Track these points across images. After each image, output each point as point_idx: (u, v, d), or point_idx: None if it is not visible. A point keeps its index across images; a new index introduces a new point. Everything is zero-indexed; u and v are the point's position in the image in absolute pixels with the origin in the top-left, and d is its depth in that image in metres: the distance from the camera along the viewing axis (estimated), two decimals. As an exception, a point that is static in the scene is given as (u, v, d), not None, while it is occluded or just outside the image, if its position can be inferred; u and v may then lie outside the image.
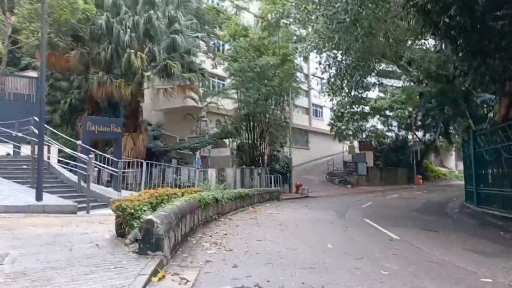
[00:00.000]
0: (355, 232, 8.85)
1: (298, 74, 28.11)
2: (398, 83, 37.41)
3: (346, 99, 26.47)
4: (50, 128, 13.27)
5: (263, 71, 20.62)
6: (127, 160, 14.27)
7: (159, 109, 29.37)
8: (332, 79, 17.83)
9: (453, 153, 52.81)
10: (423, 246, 7.21)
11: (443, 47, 12.16)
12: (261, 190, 17.65)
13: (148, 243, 5.23)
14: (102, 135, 12.45)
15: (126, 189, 14.62)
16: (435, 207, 17.07)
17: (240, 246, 6.77)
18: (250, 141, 25.05)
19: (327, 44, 14.71)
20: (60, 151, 12.59)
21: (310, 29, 16.93)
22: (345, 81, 17.37)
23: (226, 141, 26.22)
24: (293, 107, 30.37)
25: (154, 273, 4.37)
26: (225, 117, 26.33)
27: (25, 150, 12.14)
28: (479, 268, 5.60)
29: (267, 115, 24.33)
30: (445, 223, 11.21)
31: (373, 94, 33.98)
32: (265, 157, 25.67)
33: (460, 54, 9.18)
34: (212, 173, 17.83)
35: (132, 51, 18.01)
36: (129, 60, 17.90)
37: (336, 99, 26.43)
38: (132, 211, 5.89)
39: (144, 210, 6.14)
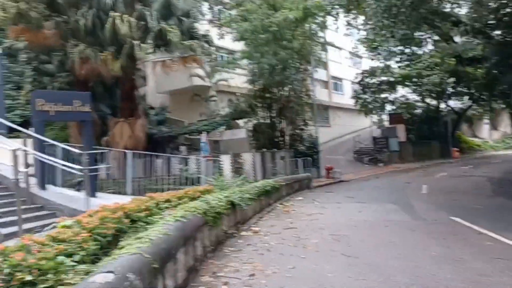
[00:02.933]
0: (470, 253, 5.20)
1: (318, 39, 23.90)
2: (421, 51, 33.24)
3: (389, 55, 23.20)
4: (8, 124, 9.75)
5: (280, 30, 16.49)
6: (100, 150, 10.55)
7: (164, 91, 25.85)
8: (378, 26, 13.86)
9: (487, 121, 48.04)
10: None
11: None
12: (289, 179, 13.92)
13: None
14: (62, 117, 8.59)
15: (118, 191, 11.07)
16: (510, 188, 13.49)
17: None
18: (268, 120, 21.41)
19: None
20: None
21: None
22: (393, 30, 13.48)
23: (240, 122, 22.60)
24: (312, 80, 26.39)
25: None
26: (237, 94, 22.67)
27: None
28: None
29: (286, 88, 20.50)
30: None
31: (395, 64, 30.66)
32: (287, 138, 22.02)
33: None
34: (225, 161, 14.22)
35: (117, 14, 14.38)
36: (113, 26, 14.27)
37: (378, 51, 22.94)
38: (20, 275, 2.40)
39: (61, 267, 2.68)
